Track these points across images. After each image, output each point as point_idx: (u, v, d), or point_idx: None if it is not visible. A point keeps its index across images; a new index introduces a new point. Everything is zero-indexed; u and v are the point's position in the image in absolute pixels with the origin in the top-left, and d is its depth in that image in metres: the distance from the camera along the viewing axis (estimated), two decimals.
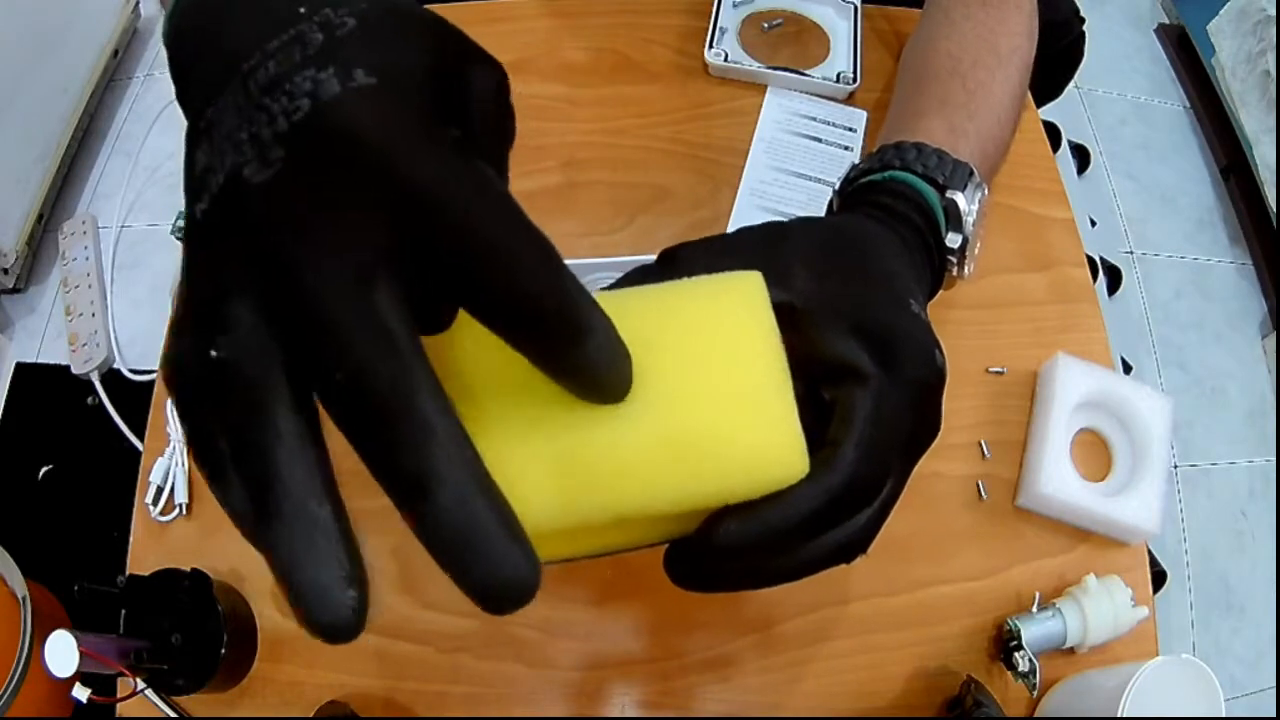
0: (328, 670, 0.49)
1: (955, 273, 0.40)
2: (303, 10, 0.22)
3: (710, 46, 0.66)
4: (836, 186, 0.43)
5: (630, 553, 0.29)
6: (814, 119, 0.66)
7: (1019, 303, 0.60)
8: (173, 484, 0.53)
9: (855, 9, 0.69)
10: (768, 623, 0.50)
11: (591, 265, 0.52)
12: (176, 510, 0.53)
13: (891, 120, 0.51)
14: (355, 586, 0.19)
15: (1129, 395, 0.54)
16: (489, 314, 0.21)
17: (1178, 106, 1.77)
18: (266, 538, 0.19)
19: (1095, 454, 0.55)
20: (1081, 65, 0.86)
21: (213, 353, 0.19)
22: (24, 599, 0.91)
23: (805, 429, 0.26)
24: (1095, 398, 0.55)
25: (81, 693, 0.44)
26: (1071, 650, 0.49)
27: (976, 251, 0.40)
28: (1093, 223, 1.53)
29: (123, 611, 0.46)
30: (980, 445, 0.55)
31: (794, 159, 0.64)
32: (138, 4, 1.69)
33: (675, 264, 0.31)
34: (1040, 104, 0.78)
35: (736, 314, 0.27)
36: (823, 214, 0.42)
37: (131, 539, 0.53)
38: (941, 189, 0.39)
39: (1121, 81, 1.77)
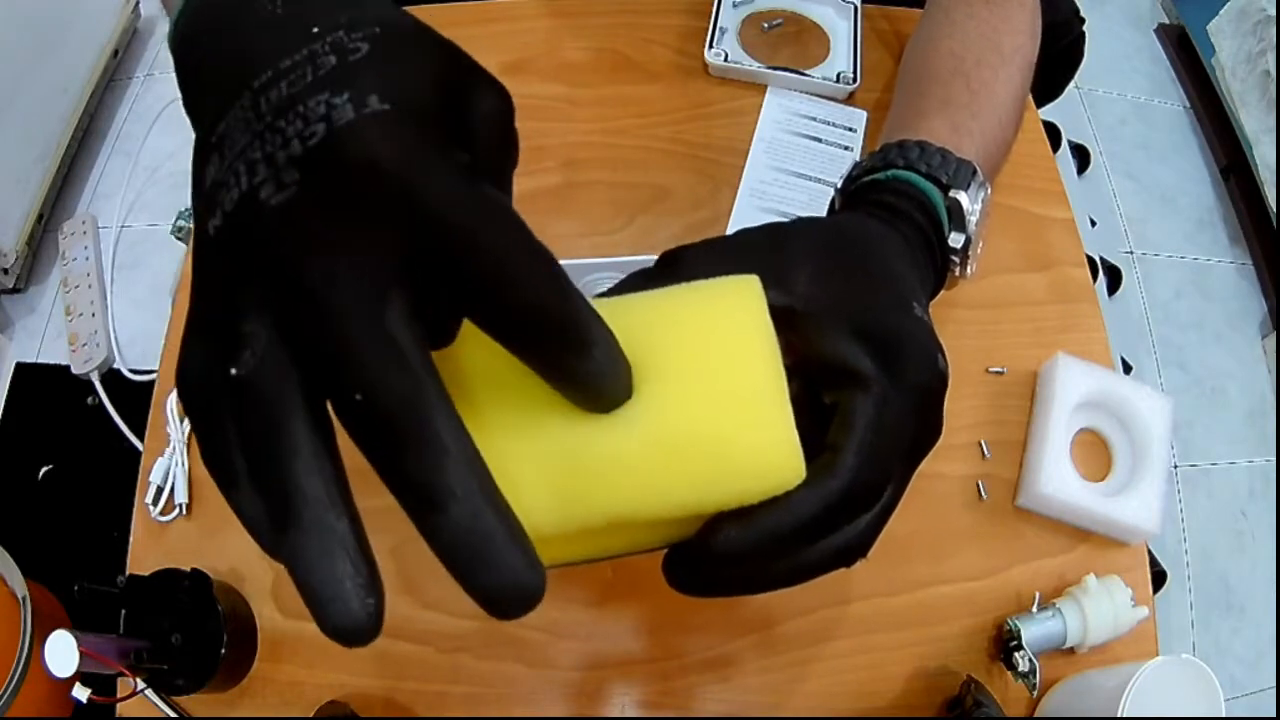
0: (328, 670, 0.49)
1: (958, 272, 0.40)
2: (315, 30, 0.22)
3: (710, 46, 0.66)
4: (839, 185, 0.42)
5: (631, 556, 0.29)
6: (814, 119, 0.66)
7: (1019, 303, 0.60)
8: (173, 484, 0.53)
9: (855, 9, 0.69)
10: (768, 623, 0.50)
11: (591, 265, 0.52)
12: (176, 510, 0.53)
13: (894, 119, 0.51)
14: (371, 593, 0.20)
15: (1129, 395, 0.54)
16: (497, 329, 0.22)
17: (1178, 106, 1.77)
18: (286, 547, 0.20)
19: (1095, 454, 0.55)
20: (1081, 65, 0.85)
21: (232, 370, 0.20)
22: (24, 599, 0.91)
23: (806, 433, 0.26)
24: (1095, 398, 0.55)
25: (81, 693, 0.44)
26: (1071, 650, 0.49)
27: (979, 251, 0.40)
28: (1093, 223, 1.53)
29: (123, 611, 0.46)
30: (980, 445, 0.55)
31: (794, 159, 0.64)
32: (138, 4, 1.69)
33: (676, 267, 0.31)
34: (1040, 104, 0.78)
35: (733, 319, 0.27)
36: (824, 214, 0.42)
37: (131, 539, 0.53)
38: (945, 188, 0.39)
39: (1121, 81, 1.77)
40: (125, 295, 1.42)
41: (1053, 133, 1.28)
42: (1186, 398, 1.43)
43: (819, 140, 0.65)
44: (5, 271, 1.39)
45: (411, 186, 0.20)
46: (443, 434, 0.20)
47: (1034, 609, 0.49)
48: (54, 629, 0.41)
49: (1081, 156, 1.61)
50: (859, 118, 0.66)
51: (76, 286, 1.40)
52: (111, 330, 1.37)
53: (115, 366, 1.34)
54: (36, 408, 1.34)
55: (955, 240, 0.39)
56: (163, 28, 1.63)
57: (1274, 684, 1.22)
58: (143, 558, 0.52)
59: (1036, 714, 0.48)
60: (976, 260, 0.40)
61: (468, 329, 0.22)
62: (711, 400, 0.25)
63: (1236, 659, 1.26)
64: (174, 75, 0.26)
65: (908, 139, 0.41)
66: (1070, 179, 1.23)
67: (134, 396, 1.30)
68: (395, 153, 0.20)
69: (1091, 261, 0.72)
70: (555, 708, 0.48)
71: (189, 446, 0.54)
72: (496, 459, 0.21)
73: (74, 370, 1.32)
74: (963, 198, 0.39)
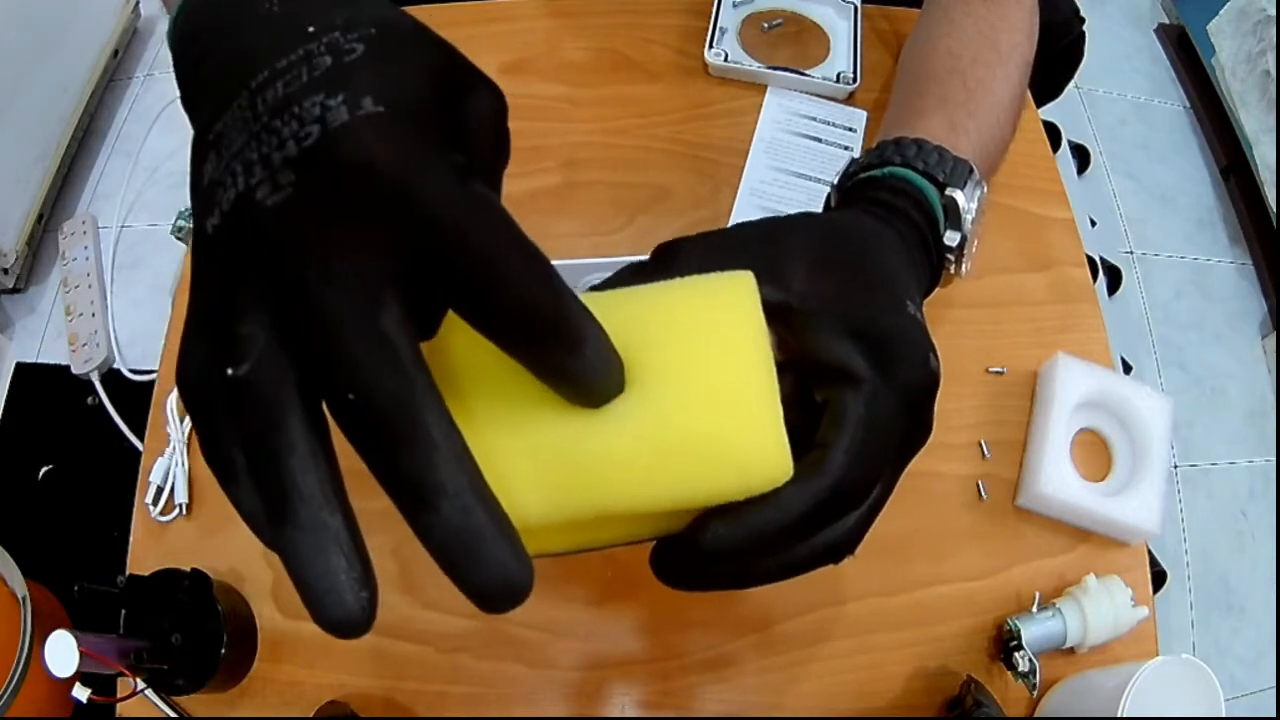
0: (328, 670, 0.49)
1: (953, 270, 0.40)
2: (311, 29, 0.22)
3: (710, 46, 0.66)
4: (835, 182, 0.42)
5: (626, 548, 0.29)
6: (814, 119, 0.66)
7: (1019, 303, 0.60)
8: (173, 484, 0.53)
9: (855, 9, 0.69)
10: (767, 623, 0.50)
11: (591, 265, 0.52)
12: (176, 510, 0.53)
13: (891, 117, 0.51)
14: (365, 586, 0.20)
15: (1129, 395, 0.54)
16: (489, 326, 0.22)
17: (1178, 106, 1.77)
18: (281, 542, 0.20)
19: (1095, 454, 0.55)
20: (1081, 65, 0.86)
21: (229, 371, 0.21)
22: (24, 599, 0.91)
23: (798, 430, 0.26)
24: (1095, 398, 0.55)
25: (81, 693, 0.44)
26: (1071, 650, 0.49)
27: (974, 250, 0.40)
28: (1093, 223, 1.53)
29: (123, 611, 0.46)
30: (980, 445, 0.55)
31: (794, 159, 0.64)
32: (138, 4, 1.69)
33: (670, 260, 0.31)
34: (1040, 104, 0.78)
35: (726, 315, 0.27)
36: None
37: (131, 539, 0.53)
38: (941, 186, 0.39)
39: (1121, 81, 1.77)
40: (125, 295, 1.42)
41: (1053, 133, 1.28)
42: (1186, 398, 1.43)
43: (819, 140, 0.65)
44: (5, 271, 1.39)
45: (406, 188, 0.21)
46: (433, 432, 0.20)
47: (1034, 609, 0.49)
48: (54, 629, 0.41)
49: (1081, 156, 1.61)
50: (859, 118, 0.66)
51: (76, 286, 1.40)
52: (111, 330, 1.37)
53: (115, 366, 1.34)
54: (36, 408, 1.34)
55: (951, 238, 0.38)
56: (163, 27, 1.62)
57: (1274, 684, 1.22)
58: (143, 558, 0.52)
59: (1036, 714, 0.48)
60: (972, 259, 0.40)
61: (460, 325, 0.22)
62: (701, 396, 0.25)
63: (1236, 659, 1.26)
64: (174, 74, 0.26)
65: (905, 136, 0.41)
66: (1070, 179, 1.23)
67: (134, 396, 1.30)
68: (389, 154, 0.21)
69: (1091, 261, 0.72)
70: (555, 708, 0.48)
71: (189, 446, 0.54)
72: (487, 454, 0.22)
73: (74, 370, 1.32)
74: (959, 196, 0.39)
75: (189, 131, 0.24)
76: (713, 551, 0.27)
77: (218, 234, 0.21)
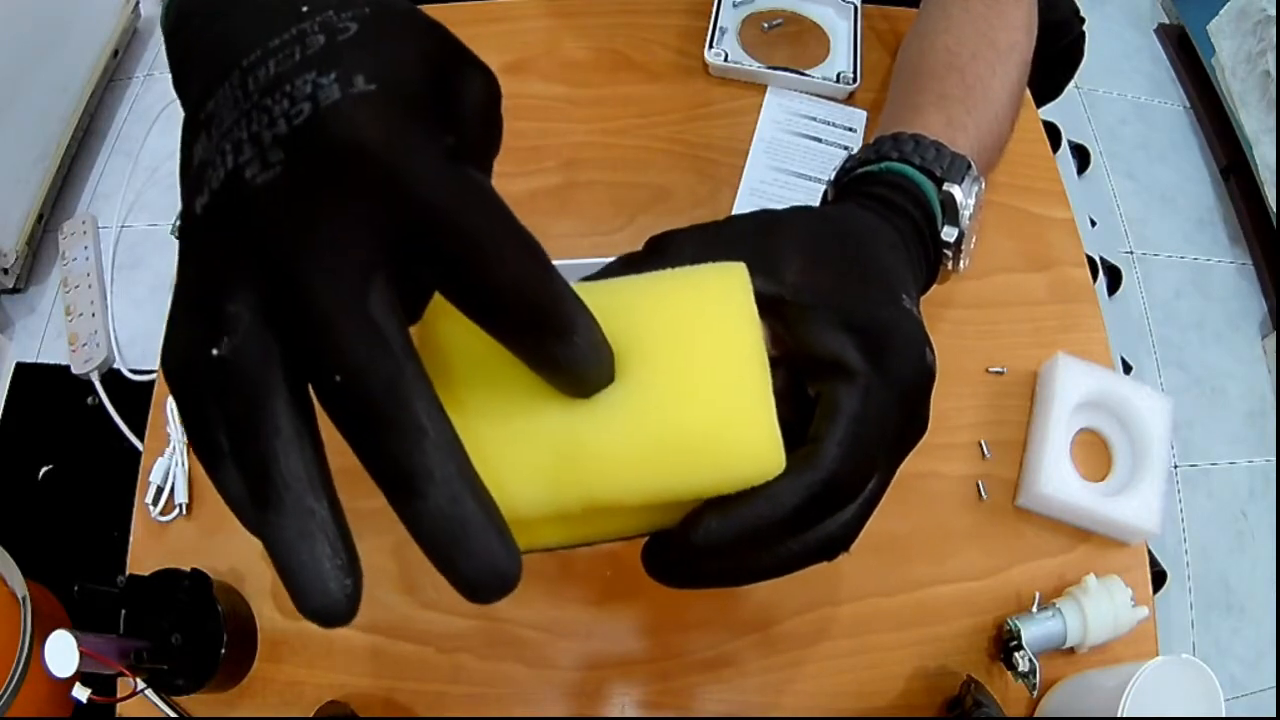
0: (328, 670, 0.49)
1: (950, 267, 0.39)
2: (305, 9, 0.22)
3: (710, 46, 0.66)
4: (832, 177, 0.42)
5: (626, 547, 0.29)
6: (814, 119, 0.66)
7: (1019, 303, 0.60)
8: (173, 484, 0.53)
9: (855, 9, 0.69)
10: (767, 623, 0.50)
11: (591, 265, 0.52)
12: (176, 510, 0.53)
13: (888, 113, 0.51)
14: (349, 574, 0.20)
15: (1129, 395, 0.54)
16: (478, 311, 0.21)
17: (1178, 106, 1.77)
18: (264, 527, 0.20)
19: (1095, 454, 0.55)
20: (1081, 65, 0.86)
21: (214, 351, 0.20)
22: (24, 599, 0.91)
23: (791, 425, 0.26)
24: (1095, 398, 0.55)
25: (81, 693, 0.44)
26: (1071, 650, 0.49)
27: (972, 246, 0.40)
28: (1093, 223, 1.53)
29: (123, 611, 0.46)
30: (980, 445, 0.55)
31: (794, 159, 0.64)
32: (138, 4, 1.69)
33: (663, 251, 0.31)
34: (1040, 104, 0.78)
35: (717, 306, 0.27)
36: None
37: (131, 539, 0.53)
38: (939, 182, 0.39)
39: (1121, 81, 1.77)
40: (125, 295, 1.42)
41: (1053, 133, 1.28)
42: (1186, 398, 1.43)
43: (819, 140, 0.65)
44: (5, 271, 1.39)
45: (395, 168, 0.20)
46: (421, 417, 0.20)
47: (1034, 609, 0.49)
48: (54, 629, 0.41)
49: (1081, 156, 1.61)
50: (859, 118, 0.66)
51: (76, 286, 1.40)
52: (111, 330, 1.37)
53: (115, 366, 1.34)
54: (36, 408, 1.34)
55: (948, 234, 0.38)
56: None
57: (1274, 684, 1.22)
58: (143, 558, 0.52)
59: (1036, 714, 0.48)
60: (969, 254, 0.40)
61: (450, 313, 0.22)
62: (692, 388, 0.25)
63: (1236, 659, 1.26)
64: (166, 58, 0.26)
65: (902, 132, 0.41)
66: (1070, 179, 1.23)
67: (134, 396, 1.30)
68: (380, 133, 0.20)
69: (1091, 261, 0.72)
70: (555, 708, 0.48)
71: (189, 446, 0.54)
72: (476, 442, 0.21)
73: (74, 370, 1.32)
74: (956, 191, 0.39)
75: None
76: (704, 546, 0.26)
77: (206, 213, 0.21)
